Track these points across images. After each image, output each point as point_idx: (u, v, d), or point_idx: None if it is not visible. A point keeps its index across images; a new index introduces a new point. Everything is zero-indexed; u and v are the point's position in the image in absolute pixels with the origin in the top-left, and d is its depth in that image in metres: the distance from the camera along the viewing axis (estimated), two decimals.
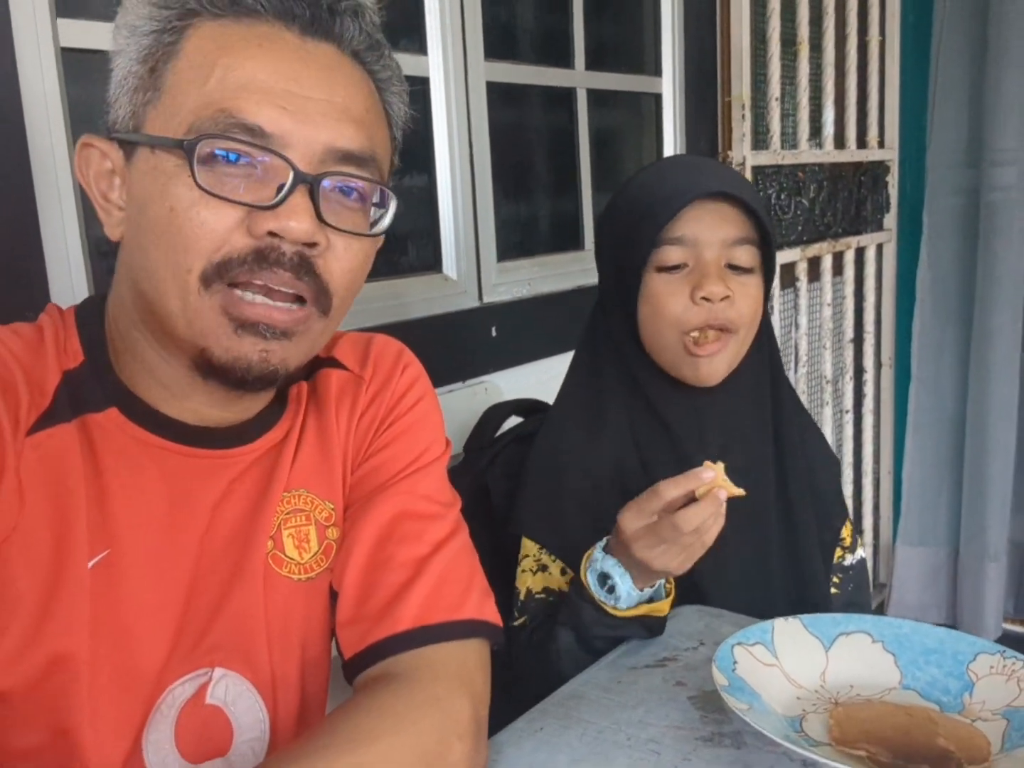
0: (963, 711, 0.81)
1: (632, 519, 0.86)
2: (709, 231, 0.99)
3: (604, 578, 0.91)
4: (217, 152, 0.64)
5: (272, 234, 0.65)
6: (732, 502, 1.03)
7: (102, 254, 1.11)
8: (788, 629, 0.88)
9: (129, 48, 0.67)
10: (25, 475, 0.66)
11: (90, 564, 0.68)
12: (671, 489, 0.85)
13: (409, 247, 1.58)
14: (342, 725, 0.66)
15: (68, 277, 1.04)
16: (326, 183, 0.67)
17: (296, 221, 0.65)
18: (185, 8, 0.66)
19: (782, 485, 1.10)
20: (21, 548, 0.66)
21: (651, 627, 0.94)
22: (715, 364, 1.02)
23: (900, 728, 0.77)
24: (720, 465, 0.87)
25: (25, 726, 0.67)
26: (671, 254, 0.99)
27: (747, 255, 1.00)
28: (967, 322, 2.69)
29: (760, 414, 1.10)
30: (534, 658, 0.97)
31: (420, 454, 0.83)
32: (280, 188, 0.65)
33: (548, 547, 1.04)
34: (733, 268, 1.00)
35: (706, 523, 0.85)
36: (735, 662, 0.83)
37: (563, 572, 1.02)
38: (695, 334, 1.00)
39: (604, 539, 0.92)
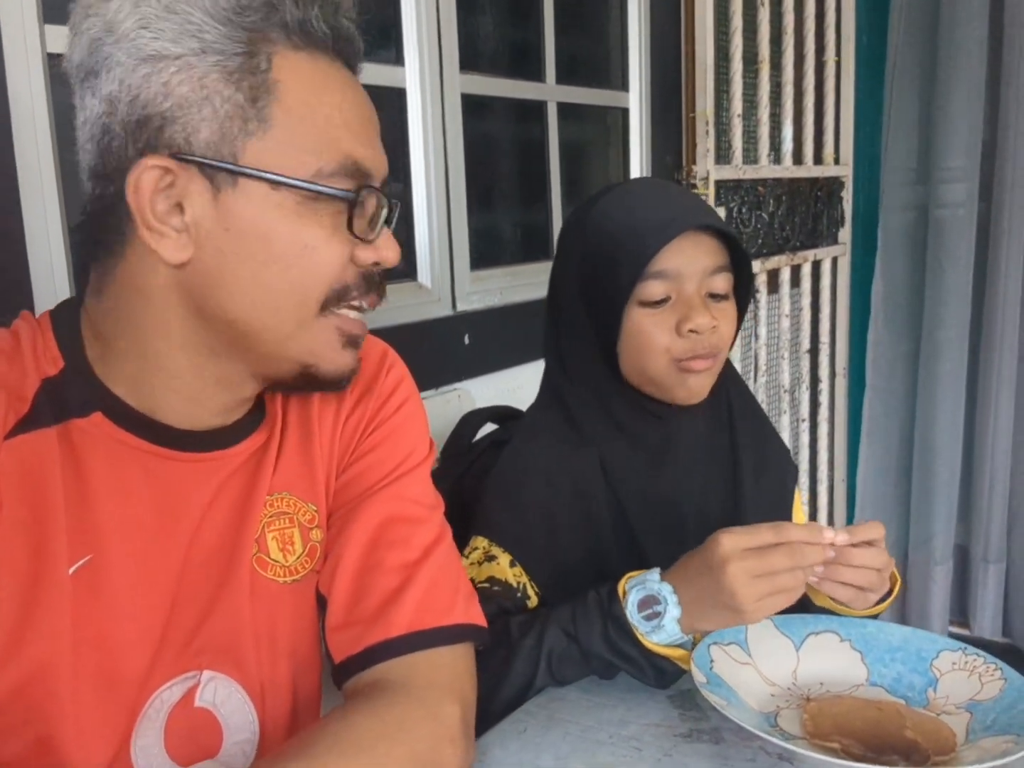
0: (928, 706, 0.85)
1: (735, 542, 0.82)
2: (690, 263, 0.98)
3: (648, 603, 0.86)
4: (368, 208, 0.72)
5: (374, 263, 0.73)
6: (694, 521, 1.07)
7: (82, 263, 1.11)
8: (760, 629, 0.92)
9: (201, 64, 0.64)
10: (2, 480, 0.66)
11: (71, 570, 0.68)
12: (794, 532, 0.83)
13: None
14: (344, 732, 0.68)
15: (51, 283, 1.04)
16: None
17: (392, 252, 0.73)
18: (266, 35, 0.66)
19: (740, 502, 1.11)
20: None
21: (664, 673, 0.89)
22: (703, 380, 1.02)
23: (870, 721, 0.81)
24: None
25: (8, 735, 0.67)
26: (654, 288, 0.98)
27: (724, 282, 1.01)
28: (917, 335, 2.77)
29: (719, 434, 1.11)
30: (504, 649, 0.92)
31: (406, 457, 0.84)
32: (372, 219, 0.72)
33: (506, 546, 1.03)
34: (711, 296, 1.01)
35: (798, 569, 0.82)
36: (712, 660, 0.87)
37: (512, 564, 1.01)
38: (683, 362, 1.00)
39: (657, 568, 0.89)
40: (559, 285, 1.10)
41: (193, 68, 0.64)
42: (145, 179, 0.65)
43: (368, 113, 0.73)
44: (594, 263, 1.02)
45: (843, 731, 0.79)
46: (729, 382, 1.11)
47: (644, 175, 2.05)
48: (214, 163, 0.66)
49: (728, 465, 1.11)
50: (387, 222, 0.75)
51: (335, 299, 0.71)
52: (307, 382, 0.75)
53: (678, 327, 0.99)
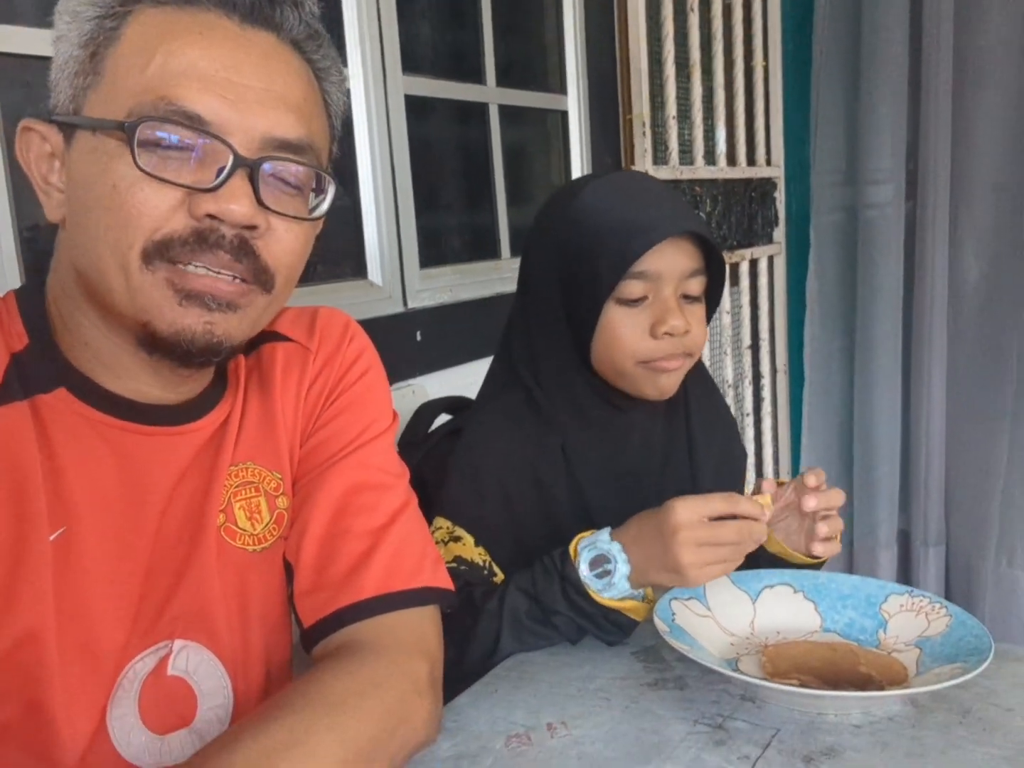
0: (879, 646, 0.89)
1: (689, 510, 0.87)
2: (669, 266, 1.00)
3: (599, 561, 0.90)
4: (159, 134, 0.65)
5: (212, 216, 0.66)
6: (654, 500, 1.09)
7: (29, 245, 1.11)
8: (717, 584, 0.95)
9: (71, 33, 0.68)
10: None
11: (51, 538, 0.68)
12: (744, 504, 0.88)
13: (335, 253, 1.61)
14: (316, 691, 0.69)
15: (2, 274, 1.04)
16: (266, 167, 0.69)
17: (236, 204, 0.66)
18: None
19: (696, 482, 1.15)
20: None
21: (620, 628, 0.93)
22: (673, 379, 1.05)
23: (826, 660, 0.84)
24: (768, 498, 0.91)
25: (1, 699, 0.67)
26: (633, 288, 1.00)
27: (699, 285, 1.04)
28: (851, 331, 2.86)
29: (676, 420, 1.15)
30: (469, 616, 0.95)
31: (369, 424, 0.85)
32: (219, 171, 0.66)
33: (468, 529, 1.05)
34: (685, 298, 1.03)
35: (743, 544, 0.88)
36: (673, 614, 0.90)
37: (476, 544, 1.03)
38: (653, 363, 1.03)
39: (607, 528, 0.93)
40: (535, 272, 1.11)
41: (65, 38, 0.68)
42: (22, 141, 0.70)
43: (240, 64, 0.67)
44: (576, 256, 1.03)
45: (801, 670, 0.83)
46: (688, 373, 1.12)
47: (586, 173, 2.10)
48: (61, 120, 0.69)
49: (684, 453, 1.15)
50: (294, 187, 0.71)
51: (155, 252, 0.66)
52: (154, 346, 0.69)
53: (652, 328, 1.01)
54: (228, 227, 0.67)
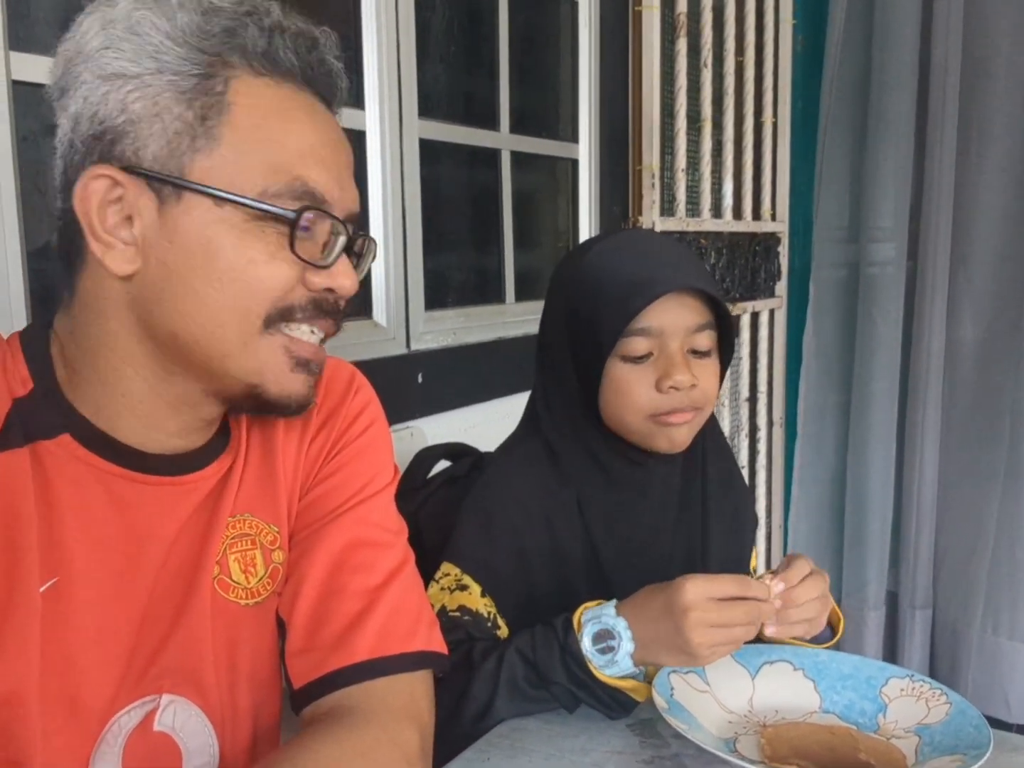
0: (878, 730, 0.88)
1: (700, 590, 0.86)
2: (674, 321, 1.00)
3: (603, 636, 0.89)
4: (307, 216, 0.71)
5: (327, 289, 0.72)
6: (662, 562, 1.10)
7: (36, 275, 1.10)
8: None
9: (156, 82, 0.67)
10: None
11: (41, 589, 0.67)
12: (753, 587, 0.87)
13: None
14: (304, 758, 0.68)
15: (8, 310, 1.03)
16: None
17: (349, 280, 0.73)
18: (226, 60, 0.68)
19: (705, 547, 1.14)
20: None
21: (622, 705, 0.92)
22: (684, 432, 1.04)
23: (825, 745, 0.83)
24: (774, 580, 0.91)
25: None
26: (637, 345, 1.00)
27: (707, 340, 1.03)
28: (848, 386, 2.87)
29: (692, 480, 1.14)
30: (464, 673, 0.94)
31: (370, 480, 0.84)
32: (325, 245, 0.72)
33: (476, 577, 1.04)
34: (693, 353, 1.02)
35: (753, 625, 0.88)
36: (672, 688, 0.89)
37: (483, 594, 1.02)
38: (661, 416, 1.02)
39: (613, 601, 0.92)
40: (547, 330, 1.12)
41: (149, 87, 0.67)
42: (91, 188, 0.67)
43: (334, 145, 0.73)
44: (580, 315, 1.04)
45: (799, 754, 0.82)
46: (706, 429, 1.11)
47: (593, 224, 2.10)
48: (160, 176, 0.67)
49: (698, 511, 1.14)
50: (356, 254, 0.77)
51: (278, 317, 0.70)
52: (257, 404, 0.74)
53: (658, 383, 1.00)
54: (336, 296, 0.74)
